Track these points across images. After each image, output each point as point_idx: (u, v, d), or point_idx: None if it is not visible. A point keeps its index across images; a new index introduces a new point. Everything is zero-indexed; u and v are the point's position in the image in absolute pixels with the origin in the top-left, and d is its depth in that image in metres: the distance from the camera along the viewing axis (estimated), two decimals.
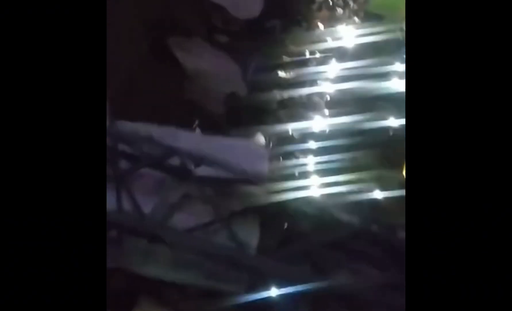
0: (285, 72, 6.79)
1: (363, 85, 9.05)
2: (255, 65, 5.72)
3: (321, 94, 8.59)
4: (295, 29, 6.56)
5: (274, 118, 6.98)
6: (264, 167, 3.89)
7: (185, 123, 4.28)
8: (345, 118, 8.61)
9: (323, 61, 8.26)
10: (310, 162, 8.45)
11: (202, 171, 3.30)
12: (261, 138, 6.62)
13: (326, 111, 8.69)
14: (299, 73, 7.31)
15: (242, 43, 5.93)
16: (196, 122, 5.14)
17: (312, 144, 8.54)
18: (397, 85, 10.02)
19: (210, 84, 5.37)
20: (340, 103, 8.99)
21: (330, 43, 8.04)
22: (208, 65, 5.41)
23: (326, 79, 8.55)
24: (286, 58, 6.69)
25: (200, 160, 3.23)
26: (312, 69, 7.79)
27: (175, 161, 3.29)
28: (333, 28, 8.16)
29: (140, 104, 3.50)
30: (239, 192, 3.23)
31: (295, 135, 8.11)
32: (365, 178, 8.97)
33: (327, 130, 8.49)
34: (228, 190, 3.23)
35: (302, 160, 8.39)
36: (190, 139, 3.41)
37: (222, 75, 5.40)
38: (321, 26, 7.82)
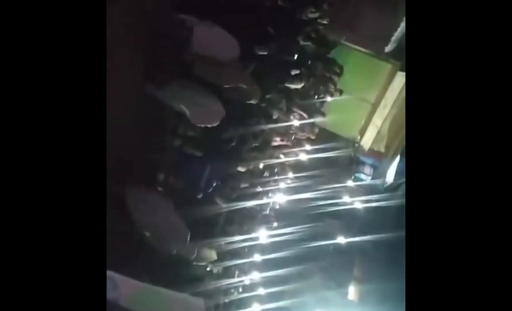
0: (238, 183, 6.94)
1: (313, 199, 9.38)
2: (209, 174, 5.81)
3: (271, 207, 8.83)
4: (252, 141, 6.65)
5: (222, 232, 7.17)
6: None
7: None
8: (292, 229, 9.00)
9: (275, 174, 8.44)
10: (255, 277, 8.86)
11: None
12: (208, 253, 6.85)
13: (275, 224, 9.00)
14: (251, 185, 7.47)
15: (198, 150, 5.95)
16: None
17: (257, 258, 8.90)
18: (347, 202, 10.47)
19: (157, 241, 5.23)
20: (288, 217, 9.31)
21: (284, 157, 8.19)
22: (158, 223, 5.17)
23: (277, 191, 8.76)
24: (240, 169, 6.80)
25: None
26: (264, 181, 7.97)
27: None
28: (288, 143, 8.28)
29: None
30: None
31: (241, 248, 8.38)
32: (308, 293, 9.55)
33: (273, 243, 8.85)
34: None
35: (246, 274, 8.75)
36: (128, 287, 3.42)
37: (170, 236, 5.24)
38: (277, 140, 7.91)
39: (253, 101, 6.09)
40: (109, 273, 3.18)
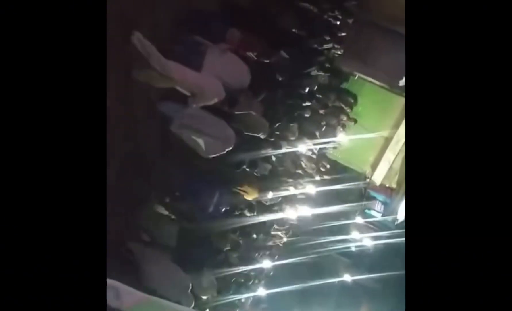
0: (247, 212, 6.95)
1: (322, 236, 9.37)
2: (219, 197, 5.80)
3: (277, 240, 8.85)
4: (262, 169, 6.69)
5: (225, 262, 7.17)
6: None
7: None
8: (298, 262, 8.98)
9: (285, 207, 8.47)
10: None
11: None
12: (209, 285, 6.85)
13: (276, 256, 8.99)
14: (259, 215, 7.48)
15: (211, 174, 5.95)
16: None
17: (262, 292, 8.88)
18: (356, 238, 10.46)
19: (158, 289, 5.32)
20: (294, 251, 9.32)
21: (293, 190, 8.24)
22: (160, 274, 5.33)
23: (285, 225, 8.78)
24: (248, 198, 6.81)
25: None
26: (273, 213, 7.99)
27: None
28: (298, 173, 8.34)
29: None
30: None
31: (245, 280, 8.38)
32: None
33: (278, 277, 8.84)
34: None
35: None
36: (131, 297, 3.53)
37: (172, 288, 5.35)
38: (287, 170, 7.97)
39: (261, 136, 6.20)
40: (112, 282, 3.29)
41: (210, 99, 4.80)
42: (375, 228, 11.73)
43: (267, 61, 5.98)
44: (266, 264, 8.55)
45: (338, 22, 7.50)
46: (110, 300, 3.19)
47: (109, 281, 3.33)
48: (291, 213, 8.67)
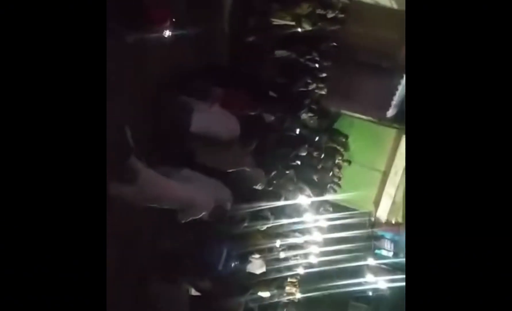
0: (256, 266, 6.76)
1: (335, 282, 9.18)
2: (227, 254, 5.62)
3: (291, 296, 8.62)
4: (265, 222, 6.58)
5: None
6: None
7: None
8: None
9: (293, 257, 8.29)
10: None
11: None
12: None
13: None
14: (268, 268, 7.26)
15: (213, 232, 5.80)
16: None
17: None
18: (371, 281, 10.26)
19: None
20: (311, 304, 9.08)
21: (298, 239, 8.10)
22: None
23: (297, 279, 8.58)
24: (256, 248, 6.65)
25: None
26: (281, 264, 7.80)
27: None
28: (301, 221, 8.22)
29: None
30: None
31: None
32: None
33: None
34: None
35: None
36: None
37: None
38: (289, 219, 7.84)
39: (259, 187, 6.17)
40: None
41: (199, 213, 4.76)
42: (389, 267, 11.48)
43: (253, 113, 6.05)
44: None
45: (317, 65, 7.63)
46: None
47: None
48: (300, 263, 8.52)
